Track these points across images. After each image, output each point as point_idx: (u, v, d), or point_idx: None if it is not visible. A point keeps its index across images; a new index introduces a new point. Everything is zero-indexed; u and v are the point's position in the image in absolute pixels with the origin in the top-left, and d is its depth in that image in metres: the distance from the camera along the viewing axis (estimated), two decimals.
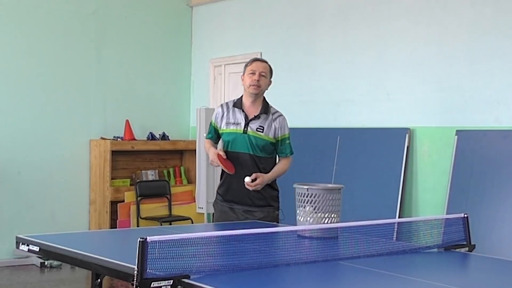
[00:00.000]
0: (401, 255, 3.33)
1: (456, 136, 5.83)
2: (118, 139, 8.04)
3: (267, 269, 2.88)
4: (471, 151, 5.73)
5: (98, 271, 3.22)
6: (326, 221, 3.67)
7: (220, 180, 4.70)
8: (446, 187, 5.82)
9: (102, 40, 8.12)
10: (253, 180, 4.41)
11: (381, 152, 6.34)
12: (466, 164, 5.74)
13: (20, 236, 3.54)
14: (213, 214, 4.82)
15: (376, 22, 6.57)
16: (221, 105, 4.68)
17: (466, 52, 5.86)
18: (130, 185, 8.07)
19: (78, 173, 7.95)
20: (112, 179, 7.87)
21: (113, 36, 8.21)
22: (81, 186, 7.98)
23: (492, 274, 3.06)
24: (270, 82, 4.61)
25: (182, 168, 8.65)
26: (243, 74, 4.57)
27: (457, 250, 3.45)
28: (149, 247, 2.59)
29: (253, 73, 4.49)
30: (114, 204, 7.86)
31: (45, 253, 3.39)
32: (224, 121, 4.56)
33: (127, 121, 8.11)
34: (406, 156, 6.16)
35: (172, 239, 2.72)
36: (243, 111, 4.53)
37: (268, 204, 4.56)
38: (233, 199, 4.56)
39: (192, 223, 7.58)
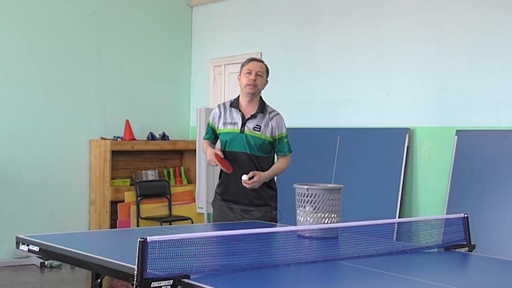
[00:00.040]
0: (401, 255, 3.33)
1: (456, 136, 5.83)
2: (118, 139, 8.04)
3: (267, 269, 2.88)
4: (471, 151, 5.73)
5: (98, 271, 3.22)
6: (326, 221, 3.67)
7: (219, 179, 4.71)
8: (446, 187, 5.82)
9: (102, 40, 8.12)
10: (250, 178, 4.42)
11: (381, 152, 6.34)
12: (466, 164, 5.74)
13: (20, 236, 3.54)
14: (212, 213, 4.84)
15: (376, 22, 6.57)
16: (218, 106, 4.70)
17: (466, 52, 5.86)
18: (130, 185, 8.07)
19: (78, 173, 7.95)
20: (112, 179, 7.87)
21: (113, 36, 8.21)
22: (81, 186, 7.98)
23: (492, 274, 3.06)
24: (267, 81, 4.64)
25: (182, 168, 8.66)
26: (240, 74, 4.60)
27: (457, 250, 3.45)
28: (149, 247, 2.59)
29: (250, 73, 4.51)
30: (114, 204, 7.86)
31: (45, 253, 3.39)
32: (221, 121, 4.58)
33: (127, 121, 8.11)
34: (406, 156, 6.16)
35: (172, 239, 2.72)
36: (240, 110, 4.55)
37: (266, 203, 4.57)
38: (230, 199, 4.58)
39: (192, 223, 7.58)
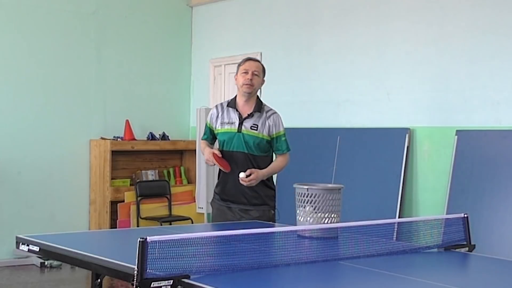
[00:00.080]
0: (401, 255, 3.33)
1: (456, 136, 5.83)
2: (118, 139, 8.04)
3: (267, 269, 2.88)
4: (471, 151, 5.73)
5: (98, 271, 3.22)
6: (326, 221, 3.67)
7: (217, 179, 4.73)
8: (446, 187, 5.82)
9: (102, 40, 8.12)
10: (247, 176, 4.42)
11: (381, 152, 6.34)
12: (466, 164, 5.74)
13: (20, 236, 3.55)
14: (211, 213, 4.85)
15: (376, 22, 6.58)
16: (216, 106, 4.73)
17: (466, 52, 5.86)
18: (130, 185, 8.07)
19: (78, 173, 7.95)
20: (112, 179, 7.87)
21: (113, 36, 8.22)
22: (81, 186, 7.98)
23: (492, 274, 3.06)
24: (263, 81, 4.66)
25: (182, 168, 8.66)
26: (236, 73, 4.62)
27: (457, 250, 3.45)
28: (149, 247, 2.59)
29: (246, 72, 4.53)
30: (114, 204, 7.86)
31: (45, 253, 3.39)
32: (219, 121, 4.61)
33: (127, 121, 8.11)
34: (406, 156, 6.16)
35: (172, 239, 2.72)
36: (237, 110, 4.57)
37: (264, 203, 4.58)
38: (229, 198, 4.59)
39: (192, 223, 7.58)
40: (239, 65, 4.61)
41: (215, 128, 4.63)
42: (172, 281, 2.60)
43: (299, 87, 7.29)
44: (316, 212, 3.68)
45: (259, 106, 4.58)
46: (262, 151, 4.56)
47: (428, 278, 2.83)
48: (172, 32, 8.68)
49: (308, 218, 3.69)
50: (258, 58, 7.34)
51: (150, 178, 8.29)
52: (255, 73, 4.54)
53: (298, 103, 7.24)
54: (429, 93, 6.13)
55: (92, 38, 8.05)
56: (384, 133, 6.38)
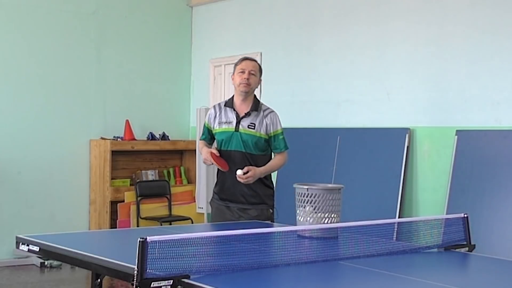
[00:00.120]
0: (401, 255, 3.33)
1: (456, 136, 5.83)
2: (118, 139, 8.04)
3: (267, 269, 2.88)
4: (471, 151, 5.73)
5: (98, 271, 3.22)
6: (326, 221, 3.67)
7: (216, 179, 4.74)
8: (446, 187, 5.82)
9: (102, 40, 8.12)
10: (245, 173, 4.43)
11: (381, 152, 6.34)
12: (466, 164, 5.74)
13: (20, 236, 3.55)
14: (211, 212, 4.86)
15: (376, 22, 6.57)
16: (214, 106, 4.76)
17: (466, 52, 5.86)
18: (130, 185, 8.07)
19: (78, 173, 7.95)
20: (112, 179, 7.87)
21: (113, 36, 8.22)
22: (81, 186, 7.98)
23: (492, 274, 3.06)
24: (260, 80, 4.69)
25: (182, 168, 8.66)
26: (233, 73, 4.65)
27: (457, 250, 3.45)
28: (149, 247, 2.59)
29: (243, 72, 4.55)
30: (114, 204, 7.86)
31: (45, 253, 3.39)
32: (217, 121, 4.62)
33: (127, 121, 8.11)
34: (406, 156, 6.16)
35: (172, 239, 2.72)
36: (234, 109, 4.59)
37: (262, 202, 4.58)
38: (227, 197, 4.61)
39: (192, 223, 7.58)
40: (236, 64, 4.64)
41: (213, 128, 4.64)
42: (172, 281, 2.60)
43: (299, 87, 7.29)
44: (316, 212, 3.68)
45: (256, 105, 4.60)
46: (260, 150, 4.57)
47: (428, 278, 2.83)
48: (172, 32, 8.68)
49: (308, 218, 3.69)
50: (258, 58, 7.36)
51: (150, 178, 8.29)
52: (251, 72, 4.56)
53: (298, 103, 7.24)
54: (429, 93, 6.13)
55: (92, 38, 8.05)
56: (384, 133, 6.38)
